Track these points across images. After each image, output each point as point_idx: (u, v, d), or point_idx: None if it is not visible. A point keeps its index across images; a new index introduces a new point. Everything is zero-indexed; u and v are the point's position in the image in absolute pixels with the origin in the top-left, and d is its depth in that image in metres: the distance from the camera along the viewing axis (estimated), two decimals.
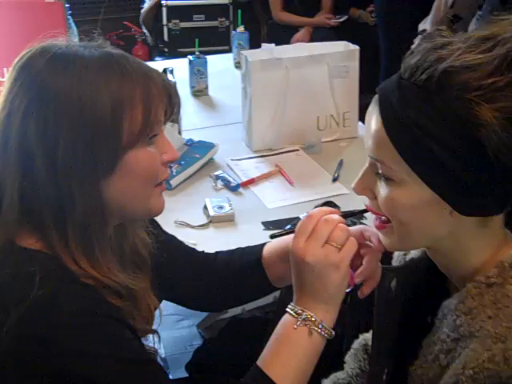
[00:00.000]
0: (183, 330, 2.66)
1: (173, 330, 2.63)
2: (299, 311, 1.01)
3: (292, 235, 1.04)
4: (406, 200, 0.91)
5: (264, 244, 1.28)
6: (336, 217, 1.03)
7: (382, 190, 0.94)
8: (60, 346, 0.91)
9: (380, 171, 0.93)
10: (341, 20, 4.23)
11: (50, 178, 0.94)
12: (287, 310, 1.03)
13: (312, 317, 1.00)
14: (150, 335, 1.14)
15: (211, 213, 1.82)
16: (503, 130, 0.83)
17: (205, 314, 2.56)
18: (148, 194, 1.03)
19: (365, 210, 1.02)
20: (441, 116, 0.86)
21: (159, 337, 1.15)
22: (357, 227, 1.08)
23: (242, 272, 1.27)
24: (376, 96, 0.94)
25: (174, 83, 1.20)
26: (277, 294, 1.65)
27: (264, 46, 2.61)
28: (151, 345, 1.13)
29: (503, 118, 0.83)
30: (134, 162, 0.98)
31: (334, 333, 1.02)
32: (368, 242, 1.06)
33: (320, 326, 1.00)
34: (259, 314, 2.23)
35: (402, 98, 0.88)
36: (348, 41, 2.32)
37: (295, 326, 1.01)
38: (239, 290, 1.30)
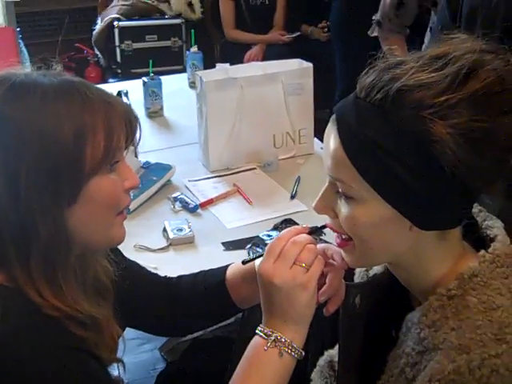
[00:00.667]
0: (145, 354, 2.63)
1: (134, 355, 2.59)
2: (269, 332, 1.01)
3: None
4: (366, 218, 0.92)
5: (227, 266, 1.27)
6: (304, 237, 1.03)
7: (343, 208, 0.95)
8: (23, 382, 0.89)
9: (340, 190, 0.94)
10: (293, 36, 4.27)
11: (13, 208, 0.93)
12: (256, 331, 1.02)
13: (282, 338, 1.00)
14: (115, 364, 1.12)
15: (171, 235, 1.81)
16: (457, 145, 0.85)
17: (166, 337, 2.54)
18: (110, 223, 1.02)
19: (324, 226, 1.04)
20: (397, 134, 0.87)
21: (124, 365, 1.13)
22: (319, 246, 1.08)
23: (206, 295, 1.26)
24: (333, 115, 0.95)
25: (129, 105, 1.19)
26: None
27: (218, 65, 2.61)
28: (116, 373, 1.11)
29: (457, 134, 0.85)
30: (97, 189, 0.97)
31: (303, 353, 1.02)
32: (331, 261, 1.07)
33: (290, 347, 1.00)
34: (221, 333, 2.22)
35: (359, 118, 0.90)
36: (300, 57, 2.34)
37: (265, 348, 1.00)
38: (204, 314, 1.29)
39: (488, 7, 1.72)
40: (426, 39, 2.58)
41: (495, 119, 0.86)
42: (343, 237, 0.99)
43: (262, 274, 1.01)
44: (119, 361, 1.12)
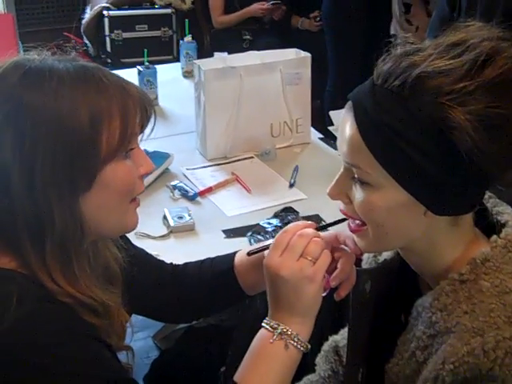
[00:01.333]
0: (138, 342, 2.62)
1: (126, 343, 2.59)
2: (275, 325, 1.01)
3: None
4: (382, 203, 0.93)
5: (235, 253, 1.28)
6: (311, 231, 1.03)
7: (358, 194, 0.96)
8: (39, 368, 0.89)
9: (356, 176, 0.95)
10: (273, 2, 4.22)
11: (28, 195, 0.92)
12: (263, 324, 1.02)
13: (288, 330, 1.00)
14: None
15: (171, 223, 1.82)
16: (475, 131, 0.86)
17: (160, 326, 2.54)
18: (124, 210, 1.02)
19: (342, 220, 1.04)
20: (415, 120, 0.88)
21: (133, 353, 1.13)
22: (331, 231, 1.09)
23: (214, 282, 1.26)
24: (349, 102, 0.95)
25: (144, 92, 1.16)
26: None
27: (216, 54, 2.61)
28: (125, 361, 1.11)
29: (475, 120, 0.86)
30: (112, 176, 0.96)
31: (309, 346, 1.02)
32: (343, 246, 1.07)
33: (296, 340, 1.00)
34: (214, 321, 2.24)
35: (377, 104, 0.91)
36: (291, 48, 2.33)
37: (271, 341, 1.00)
38: (211, 300, 1.29)
39: None
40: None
41: (511, 106, 0.87)
42: (357, 222, 1.00)
43: (269, 267, 1.01)
44: (128, 348, 1.12)
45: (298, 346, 1.01)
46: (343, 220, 1.04)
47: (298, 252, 1.00)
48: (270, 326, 1.01)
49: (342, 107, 0.99)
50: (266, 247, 1.05)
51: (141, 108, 1.00)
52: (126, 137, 0.97)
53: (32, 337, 0.89)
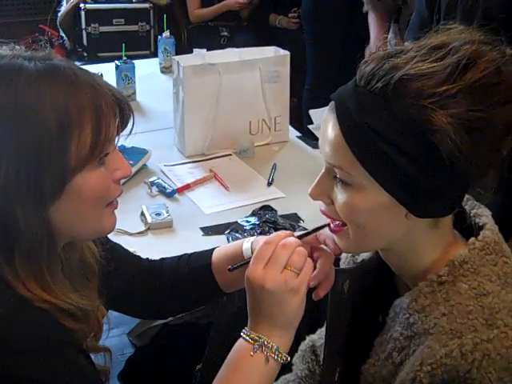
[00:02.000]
0: (113, 339, 2.60)
1: (102, 340, 2.57)
2: (255, 338, 0.99)
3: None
4: (364, 204, 0.93)
5: (212, 249, 1.27)
6: (293, 240, 1.01)
7: (340, 195, 0.95)
8: (12, 374, 0.88)
9: (338, 177, 0.95)
10: None
11: None
12: (242, 335, 1.00)
13: (269, 343, 0.98)
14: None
15: (149, 219, 1.81)
16: (456, 134, 0.87)
17: (135, 322, 2.53)
18: (99, 215, 0.99)
19: (322, 226, 1.04)
20: (397, 122, 0.88)
21: (111, 355, 1.11)
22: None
23: (191, 278, 1.26)
24: (332, 103, 0.95)
25: (120, 91, 1.12)
26: None
27: (196, 51, 2.60)
28: (102, 363, 1.09)
29: (456, 123, 0.87)
30: (83, 185, 0.93)
31: (289, 358, 1.01)
32: (323, 246, 1.07)
33: (276, 353, 0.98)
34: (189, 319, 2.23)
35: (359, 105, 0.91)
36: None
37: (251, 353, 0.98)
38: (188, 296, 1.29)
39: (467, 0, 1.74)
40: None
41: (492, 109, 0.88)
42: (337, 223, 1.00)
43: (253, 279, 0.98)
44: (106, 350, 1.11)
45: (278, 359, 0.99)
46: (323, 227, 1.03)
47: (282, 264, 0.98)
48: (251, 338, 0.99)
49: (321, 106, 0.98)
50: (247, 261, 1.03)
51: (116, 110, 0.96)
52: (98, 144, 0.92)
53: (3, 341, 0.88)
